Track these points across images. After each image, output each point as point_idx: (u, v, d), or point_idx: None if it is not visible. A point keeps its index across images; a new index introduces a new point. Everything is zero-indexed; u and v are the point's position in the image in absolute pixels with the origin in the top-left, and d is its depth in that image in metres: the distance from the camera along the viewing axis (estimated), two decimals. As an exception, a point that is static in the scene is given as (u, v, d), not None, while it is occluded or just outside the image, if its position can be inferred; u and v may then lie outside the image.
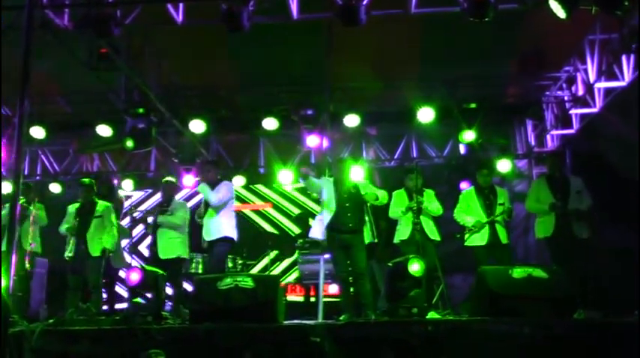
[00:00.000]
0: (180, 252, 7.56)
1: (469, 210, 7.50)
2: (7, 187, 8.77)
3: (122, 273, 9.02)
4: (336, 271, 7.00)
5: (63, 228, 7.50)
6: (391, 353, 3.36)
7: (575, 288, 5.92)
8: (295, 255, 9.46)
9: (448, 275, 7.84)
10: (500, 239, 7.31)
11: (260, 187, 11.29)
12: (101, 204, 7.63)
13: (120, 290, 9.62)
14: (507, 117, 10.26)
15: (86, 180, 7.83)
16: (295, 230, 10.72)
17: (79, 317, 6.54)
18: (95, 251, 7.36)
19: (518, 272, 5.74)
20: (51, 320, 6.35)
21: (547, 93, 9.46)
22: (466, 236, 7.43)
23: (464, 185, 9.04)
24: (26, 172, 10.68)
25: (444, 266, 7.34)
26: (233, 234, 7.33)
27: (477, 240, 7.34)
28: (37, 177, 10.78)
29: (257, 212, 11.25)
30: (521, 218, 9.28)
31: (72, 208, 7.62)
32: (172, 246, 7.50)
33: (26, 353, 5.58)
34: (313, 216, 9.66)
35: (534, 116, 9.86)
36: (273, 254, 10.12)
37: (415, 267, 6.17)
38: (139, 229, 10.59)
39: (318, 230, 6.88)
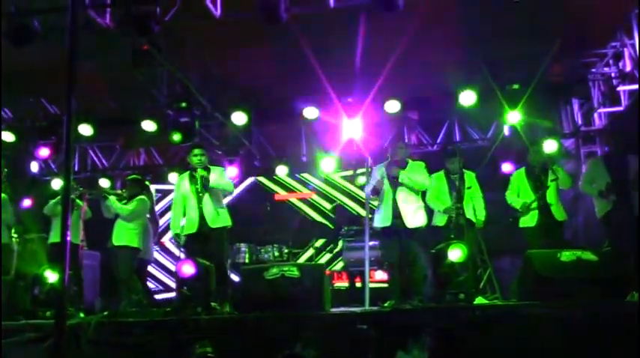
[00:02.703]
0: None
1: (519, 192, 7.36)
2: (59, 183, 9.12)
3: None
4: (386, 257, 7.02)
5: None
6: (434, 339, 3.35)
7: (630, 269, 5.79)
8: (340, 244, 9.50)
9: (496, 258, 7.75)
10: (556, 217, 7.11)
11: (305, 175, 11.35)
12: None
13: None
14: (552, 96, 10.01)
15: (134, 176, 8.12)
16: (330, 225, 10.80)
17: (131, 309, 6.74)
18: (125, 241, 7.59)
19: (566, 256, 5.65)
20: (105, 313, 6.57)
21: (593, 70, 9.21)
22: (518, 217, 7.27)
23: (506, 166, 8.89)
24: (76, 168, 11.00)
25: (491, 249, 7.27)
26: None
27: (528, 221, 7.20)
28: (87, 173, 11.08)
29: (302, 200, 11.33)
30: (569, 200, 9.09)
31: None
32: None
33: (83, 344, 5.78)
34: (347, 210, 9.71)
35: (580, 94, 9.61)
36: (319, 243, 10.19)
37: (456, 254, 6.13)
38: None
39: (377, 218, 6.87)
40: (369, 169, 7.65)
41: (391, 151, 7.09)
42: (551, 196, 7.13)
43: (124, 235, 7.61)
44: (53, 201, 7.92)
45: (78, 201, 7.77)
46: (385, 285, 7.47)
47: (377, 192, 6.83)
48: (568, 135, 9.97)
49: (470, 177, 7.34)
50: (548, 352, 5.01)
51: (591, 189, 7.15)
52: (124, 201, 7.75)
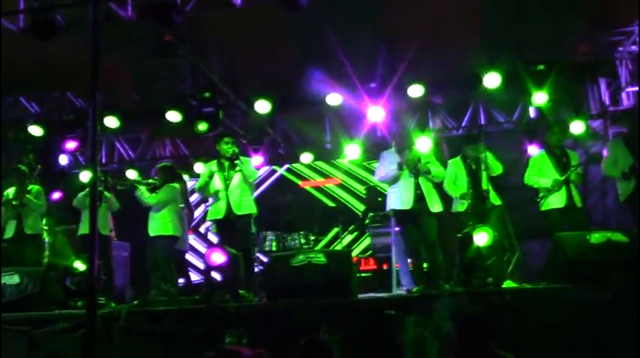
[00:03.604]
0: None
1: (541, 173, 7.25)
2: (86, 175, 9.24)
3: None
4: (406, 244, 6.99)
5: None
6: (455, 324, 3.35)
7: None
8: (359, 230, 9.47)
9: (524, 241, 7.67)
10: (575, 202, 7.06)
11: (323, 165, 11.34)
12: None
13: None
14: (579, 76, 9.84)
15: (164, 163, 8.23)
16: (360, 208, 10.75)
17: (161, 298, 6.83)
18: (158, 231, 7.64)
19: (596, 238, 5.59)
20: (135, 302, 6.66)
21: (620, 48, 9.02)
22: (542, 199, 7.16)
23: (532, 149, 8.78)
24: (104, 160, 11.14)
25: (519, 233, 7.19)
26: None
27: (554, 202, 7.08)
28: (115, 165, 11.21)
29: (328, 187, 11.33)
30: (598, 181, 8.96)
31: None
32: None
33: (114, 332, 5.88)
34: (380, 192, 9.67)
35: (607, 74, 9.43)
36: (345, 229, 10.21)
37: (481, 238, 6.09)
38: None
39: (395, 200, 6.84)
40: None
41: (401, 145, 6.98)
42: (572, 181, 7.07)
43: (156, 224, 7.67)
44: (82, 193, 8.03)
45: (106, 193, 7.87)
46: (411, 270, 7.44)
47: (396, 179, 6.78)
48: (595, 116, 9.80)
49: (490, 157, 7.21)
50: (577, 335, 4.97)
51: (614, 171, 7.01)
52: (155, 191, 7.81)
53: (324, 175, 11.36)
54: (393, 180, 6.80)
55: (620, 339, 4.79)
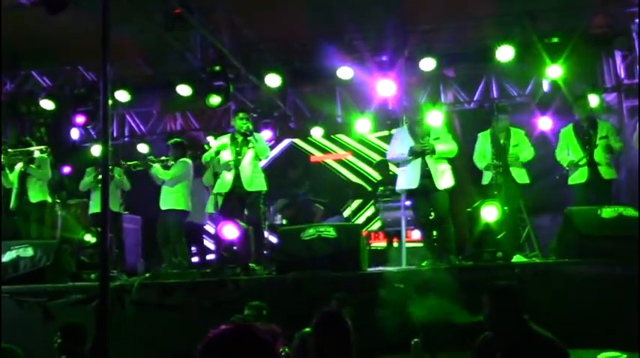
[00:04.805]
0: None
1: (569, 149, 7.16)
2: (97, 149, 9.29)
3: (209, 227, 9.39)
4: (416, 217, 6.99)
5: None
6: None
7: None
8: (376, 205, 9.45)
9: (536, 216, 7.64)
10: (602, 175, 6.91)
11: (340, 136, 11.30)
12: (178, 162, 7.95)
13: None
14: (594, 49, 9.68)
15: (175, 139, 8.23)
16: (377, 176, 10.71)
17: (172, 271, 6.90)
18: (171, 205, 7.73)
19: (607, 213, 5.56)
20: (147, 274, 6.74)
21: (637, 20, 8.85)
22: (568, 173, 7.11)
23: (543, 122, 8.69)
24: (115, 134, 11.16)
25: (531, 207, 7.16)
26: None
27: (577, 177, 7.02)
28: (126, 139, 11.24)
29: (338, 161, 11.31)
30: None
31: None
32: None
33: (127, 304, 5.97)
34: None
35: (623, 46, 9.26)
36: (355, 204, 10.20)
37: (488, 213, 6.07)
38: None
39: (403, 180, 6.80)
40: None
41: (412, 119, 6.92)
42: (599, 154, 6.92)
43: (169, 199, 7.77)
44: (87, 178, 8.10)
45: (116, 175, 7.90)
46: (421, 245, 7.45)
47: (406, 162, 6.71)
48: (610, 89, 9.66)
49: (517, 134, 7.18)
50: (586, 310, 4.97)
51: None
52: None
53: (341, 146, 11.33)
54: (403, 163, 6.77)
55: (628, 314, 4.79)
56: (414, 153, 6.59)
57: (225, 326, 1.73)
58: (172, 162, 7.89)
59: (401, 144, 6.77)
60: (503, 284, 3.74)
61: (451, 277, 5.24)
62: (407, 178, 6.70)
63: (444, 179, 6.60)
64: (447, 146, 6.65)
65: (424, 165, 6.58)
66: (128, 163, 8.18)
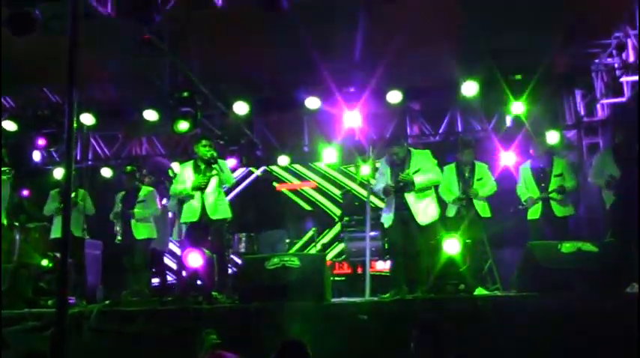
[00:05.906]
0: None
1: (526, 184, 7.43)
2: (60, 172, 9.13)
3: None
4: (389, 248, 6.98)
5: (111, 216, 7.96)
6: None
7: (632, 261, 5.80)
8: (336, 231, 9.49)
9: (499, 249, 7.75)
10: (555, 212, 7.16)
11: (300, 168, 11.33)
12: (144, 189, 8.04)
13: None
14: (555, 87, 9.95)
15: (128, 167, 8.22)
16: (337, 211, 10.77)
17: (133, 298, 6.77)
18: (140, 234, 7.74)
19: (567, 247, 5.67)
20: (107, 302, 6.60)
21: (596, 61, 9.17)
22: (525, 208, 7.38)
23: (506, 157, 8.86)
24: (79, 157, 10.98)
25: (493, 241, 7.26)
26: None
27: (532, 213, 7.29)
28: (89, 162, 11.08)
29: (295, 192, 11.31)
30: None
31: (118, 196, 8.07)
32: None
33: (85, 332, 5.82)
34: (356, 197, 9.72)
35: (583, 85, 9.56)
36: (320, 233, 10.21)
37: (450, 246, 6.13)
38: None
39: (387, 217, 6.73)
40: (372, 161, 7.64)
41: (390, 151, 6.77)
42: (552, 192, 7.18)
43: (143, 228, 7.81)
44: (52, 204, 8.02)
45: (79, 200, 7.79)
46: (386, 275, 7.46)
47: (388, 193, 6.59)
48: (570, 126, 9.93)
49: (480, 168, 7.34)
50: (546, 342, 5.03)
51: (600, 180, 7.14)
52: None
53: (301, 178, 11.35)
54: (388, 194, 6.65)
55: (588, 347, 4.86)
56: (387, 193, 6.57)
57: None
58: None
59: (382, 178, 6.74)
60: (428, 317, 3.75)
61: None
62: (388, 216, 6.65)
63: (427, 214, 6.49)
64: (427, 176, 6.50)
65: (402, 201, 6.49)
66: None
